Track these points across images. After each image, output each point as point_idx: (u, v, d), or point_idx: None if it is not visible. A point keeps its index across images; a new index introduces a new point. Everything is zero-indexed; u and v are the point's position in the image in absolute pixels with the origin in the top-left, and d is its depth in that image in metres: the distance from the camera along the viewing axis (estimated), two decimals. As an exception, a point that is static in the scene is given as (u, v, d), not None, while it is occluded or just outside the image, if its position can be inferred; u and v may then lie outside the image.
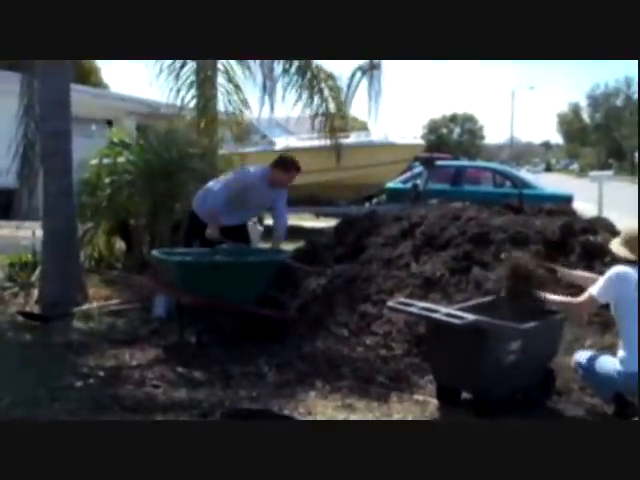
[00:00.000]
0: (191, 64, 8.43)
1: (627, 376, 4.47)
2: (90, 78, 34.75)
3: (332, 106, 9.44)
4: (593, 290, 4.69)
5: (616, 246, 4.93)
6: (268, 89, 8.76)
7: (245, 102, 8.81)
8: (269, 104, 8.96)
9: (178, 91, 8.62)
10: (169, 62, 8.32)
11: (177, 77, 8.49)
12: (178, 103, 8.73)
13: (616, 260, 5.03)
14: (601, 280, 4.70)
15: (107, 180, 9.39)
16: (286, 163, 7.18)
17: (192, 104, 9.14)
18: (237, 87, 8.65)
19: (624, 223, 5.73)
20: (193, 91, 8.66)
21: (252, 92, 9.10)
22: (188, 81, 8.93)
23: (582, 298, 4.76)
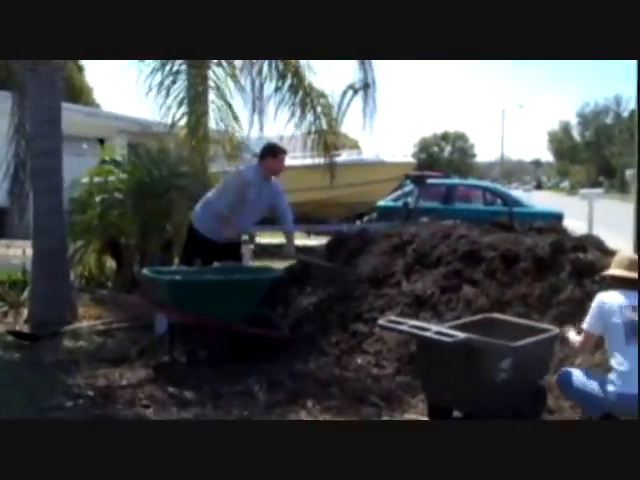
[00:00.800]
0: (181, 81, 8.41)
1: (617, 396, 4.46)
2: (82, 97, 34.77)
3: (324, 124, 9.42)
4: (585, 326, 4.75)
5: (619, 271, 4.85)
6: (258, 107, 8.75)
7: (237, 119, 8.79)
8: (259, 123, 8.95)
9: (169, 108, 8.59)
10: (159, 79, 8.28)
11: (167, 94, 8.47)
12: (169, 121, 8.70)
13: (605, 279, 5.03)
14: (589, 313, 4.74)
15: (98, 199, 9.38)
16: (272, 149, 7.32)
17: (183, 121, 9.12)
18: (229, 105, 8.63)
19: (614, 241, 5.73)
20: (184, 108, 8.63)
21: (243, 110, 9.08)
22: (179, 98, 8.92)
23: (580, 338, 4.83)
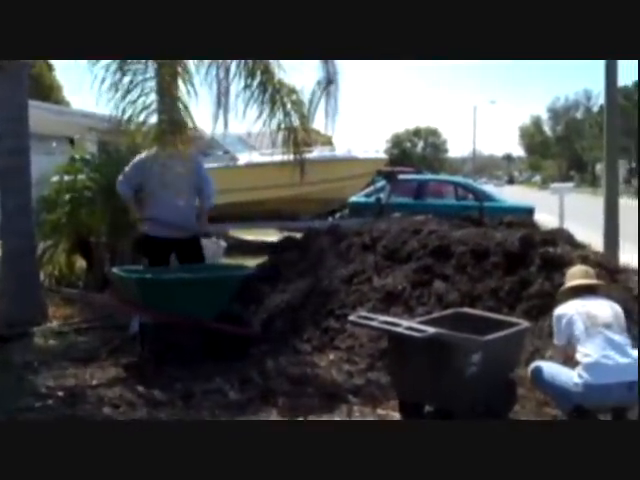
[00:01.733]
0: (152, 81, 8.33)
1: (586, 388, 4.50)
2: (51, 95, 34.45)
3: (295, 120, 9.38)
4: (555, 341, 4.94)
5: (577, 282, 4.99)
6: (223, 104, 8.68)
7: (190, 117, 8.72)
8: (223, 120, 8.88)
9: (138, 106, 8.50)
10: (129, 76, 8.21)
11: (127, 91, 8.38)
12: (140, 118, 8.62)
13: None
14: (553, 327, 4.93)
15: (67, 197, 9.29)
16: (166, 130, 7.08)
17: (153, 119, 9.03)
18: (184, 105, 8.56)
19: (584, 235, 5.77)
20: (154, 105, 8.55)
21: (210, 107, 9.00)
22: (150, 96, 8.83)
23: (550, 352, 5.09)
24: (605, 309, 4.74)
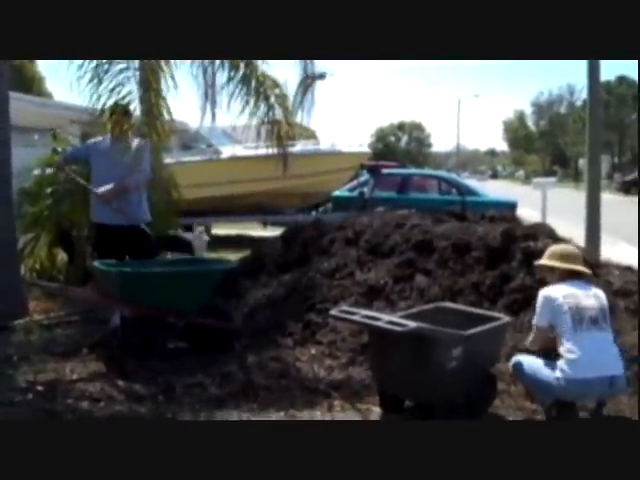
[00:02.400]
0: (133, 71, 8.28)
1: (567, 382, 4.52)
2: (33, 87, 34.21)
3: (279, 114, 9.35)
4: (534, 321, 4.86)
5: (546, 260, 5.00)
6: (210, 97, 8.65)
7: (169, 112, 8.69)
8: (211, 113, 8.85)
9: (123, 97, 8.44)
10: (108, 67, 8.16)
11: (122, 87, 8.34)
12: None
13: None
14: (537, 308, 4.83)
15: (48, 190, 9.23)
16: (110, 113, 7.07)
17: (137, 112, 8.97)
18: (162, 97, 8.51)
19: (567, 229, 5.80)
20: (131, 95, 8.49)
21: (196, 100, 8.96)
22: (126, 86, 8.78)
23: (530, 336, 4.90)
24: (592, 301, 4.70)
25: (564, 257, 4.92)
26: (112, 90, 7.97)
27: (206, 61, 8.38)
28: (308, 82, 9.61)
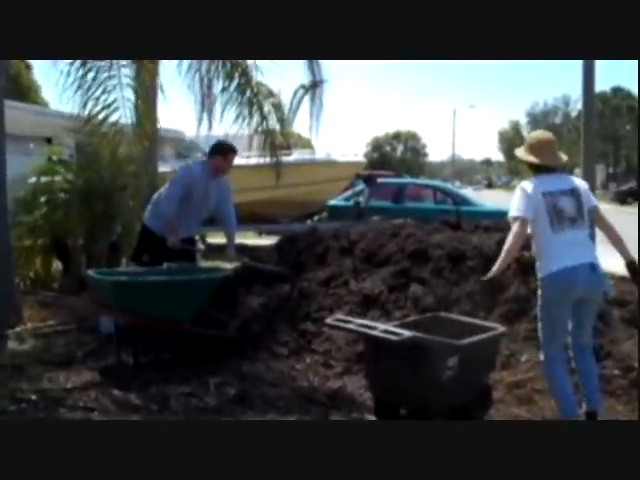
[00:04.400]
0: (119, 78, 8.29)
1: (553, 275, 4.66)
2: (29, 95, 34.20)
3: (273, 123, 9.37)
4: (516, 213, 4.75)
5: (521, 152, 5.01)
6: (207, 106, 8.67)
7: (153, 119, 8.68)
8: (207, 122, 8.87)
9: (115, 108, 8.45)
10: (100, 80, 8.16)
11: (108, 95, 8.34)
12: (100, 116, 8.57)
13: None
14: (515, 201, 4.79)
15: (43, 199, 9.23)
16: (221, 148, 7.11)
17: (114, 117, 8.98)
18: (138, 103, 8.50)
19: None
20: (116, 104, 8.50)
21: (192, 109, 9.00)
22: (127, 97, 8.80)
23: (512, 229, 4.79)
24: (569, 200, 4.74)
25: (539, 148, 4.91)
26: (98, 98, 7.99)
27: (203, 70, 8.42)
28: (307, 88, 9.64)
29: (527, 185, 4.79)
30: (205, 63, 8.60)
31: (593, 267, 4.69)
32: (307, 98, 10.09)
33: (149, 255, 6.83)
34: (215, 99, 8.94)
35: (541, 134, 5.23)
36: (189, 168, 7.33)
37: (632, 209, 25.31)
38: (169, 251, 6.72)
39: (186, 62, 8.71)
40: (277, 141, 9.09)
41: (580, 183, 4.94)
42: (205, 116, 8.87)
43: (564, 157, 5.06)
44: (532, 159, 4.89)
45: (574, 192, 4.80)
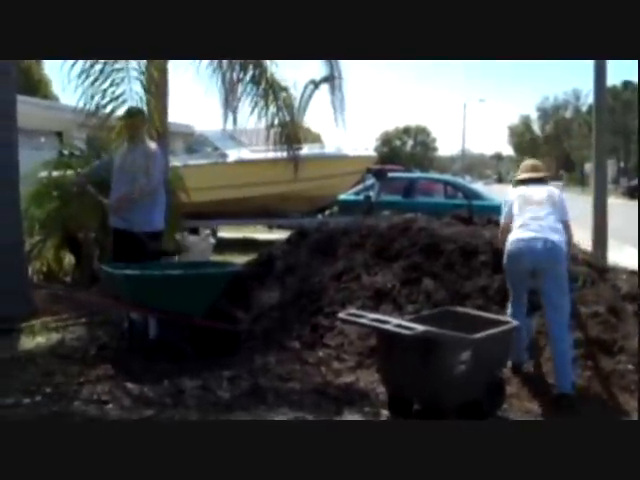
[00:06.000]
0: (126, 71, 8.28)
1: (512, 242, 5.49)
2: (40, 90, 34.29)
3: (287, 116, 9.33)
4: (501, 220, 5.94)
5: (526, 175, 5.99)
6: (230, 102, 8.63)
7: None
8: (232, 118, 8.82)
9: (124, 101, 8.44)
10: (107, 73, 8.15)
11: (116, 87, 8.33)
12: (108, 109, 8.57)
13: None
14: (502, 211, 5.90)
15: (55, 193, 9.25)
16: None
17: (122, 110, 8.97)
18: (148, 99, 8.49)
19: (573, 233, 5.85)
20: (124, 96, 8.49)
21: (204, 102, 9.00)
22: (128, 93, 8.80)
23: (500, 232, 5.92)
24: (541, 191, 5.71)
25: (527, 169, 6.04)
26: (105, 90, 7.98)
27: (224, 64, 8.36)
28: (317, 83, 9.61)
29: (507, 195, 5.92)
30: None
31: (546, 242, 5.33)
32: (324, 91, 10.06)
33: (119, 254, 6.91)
34: (232, 92, 8.87)
35: (531, 161, 6.35)
36: None
37: (643, 204, 25.18)
38: (131, 244, 6.78)
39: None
40: (293, 133, 9.03)
41: (556, 192, 5.82)
42: (223, 110, 8.80)
43: (540, 174, 6.02)
44: (517, 177, 6.11)
45: (549, 190, 5.77)
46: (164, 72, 8.82)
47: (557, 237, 5.39)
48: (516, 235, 5.51)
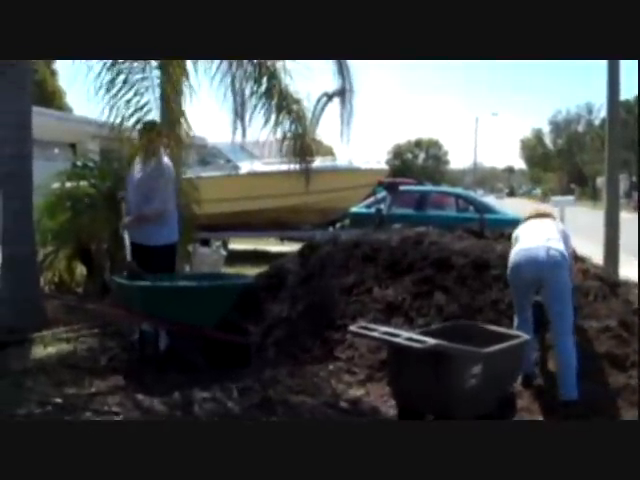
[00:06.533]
0: (151, 80, 8.27)
1: (516, 253, 5.61)
2: (54, 101, 34.52)
3: (301, 128, 9.31)
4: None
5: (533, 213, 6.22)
6: (240, 114, 8.63)
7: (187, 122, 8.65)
8: (241, 129, 8.81)
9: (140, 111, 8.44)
10: (131, 82, 8.14)
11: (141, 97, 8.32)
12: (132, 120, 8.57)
13: None
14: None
15: (68, 204, 9.30)
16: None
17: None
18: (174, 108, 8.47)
19: (584, 248, 5.87)
20: (148, 106, 8.49)
21: (216, 115, 9.02)
22: (153, 102, 8.79)
23: None
24: (544, 221, 5.91)
25: (534, 212, 6.23)
26: (129, 101, 7.98)
27: (234, 72, 8.35)
28: (330, 96, 9.62)
29: (514, 233, 6.06)
30: (235, 65, 8.54)
31: (549, 250, 5.39)
32: (332, 105, 10.06)
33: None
34: (244, 103, 8.84)
35: (538, 205, 6.80)
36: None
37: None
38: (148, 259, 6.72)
39: (215, 64, 8.67)
40: (306, 146, 9.02)
41: (560, 225, 6.04)
42: (235, 121, 8.79)
43: (546, 211, 6.30)
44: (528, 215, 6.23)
45: (552, 224, 5.89)
46: (181, 81, 8.83)
47: (559, 245, 5.47)
48: (519, 246, 5.65)
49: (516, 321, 5.69)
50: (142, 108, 7.85)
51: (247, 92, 8.77)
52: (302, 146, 8.99)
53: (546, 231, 5.68)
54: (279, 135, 8.89)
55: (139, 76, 7.94)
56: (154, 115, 7.86)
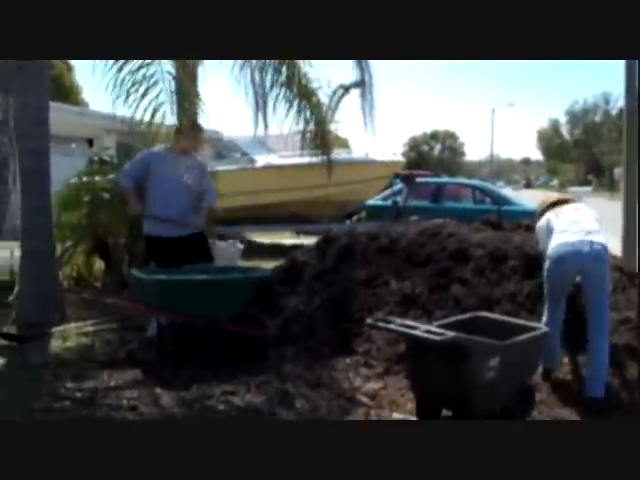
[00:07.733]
0: (161, 74, 8.28)
1: (557, 247, 5.45)
2: (71, 96, 34.65)
3: (321, 117, 9.28)
4: (540, 248, 5.99)
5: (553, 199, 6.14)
6: (260, 106, 8.62)
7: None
8: (263, 122, 8.81)
9: (155, 107, 8.46)
10: (146, 77, 8.16)
11: (145, 93, 8.34)
12: (158, 119, 8.60)
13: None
14: (537, 239, 6.13)
15: (86, 198, 9.34)
16: (180, 127, 7.40)
17: (172, 121, 9.01)
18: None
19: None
20: (173, 107, 8.52)
21: (232, 108, 9.03)
22: (168, 96, 8.82)
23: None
24: (570, 205, 5.87)
25: (551, 196, 6.29)
26: (144, 95, 8.00)
27: (254, 65, 8.36)
28: (347, 88, 9.60)
29: (539, 222, 5.98)
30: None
31: (592, 244, 5.34)
32: (353, 96, 10.04)
33: (156, 262, 6.94)
34: (264, 95, 8.83)
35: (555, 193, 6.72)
36: (150, 149, 7.47)
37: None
38: (180, 251, 6.81)
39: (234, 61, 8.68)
40: (327, 139, 9.00)
41: (597, 216, 5.81)
42: (256, 114, 8.80)
43: (567, 196, 6.43)
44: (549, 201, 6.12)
45: (579, 205, 5.95)
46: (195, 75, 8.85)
47: (601, 238, 5.43)
48: (560, 240, 5.49)
49: (545, 316, 5.58)
50: (156, 97, 7.87)
51: (267, 84, 8.76)
52: (322, 136, 8.96)
53: (585, 222, 5.58)
54: (301, 125, 8.85)
55: (152, 70, 7.97)
56: (168, 109, 7.90)
